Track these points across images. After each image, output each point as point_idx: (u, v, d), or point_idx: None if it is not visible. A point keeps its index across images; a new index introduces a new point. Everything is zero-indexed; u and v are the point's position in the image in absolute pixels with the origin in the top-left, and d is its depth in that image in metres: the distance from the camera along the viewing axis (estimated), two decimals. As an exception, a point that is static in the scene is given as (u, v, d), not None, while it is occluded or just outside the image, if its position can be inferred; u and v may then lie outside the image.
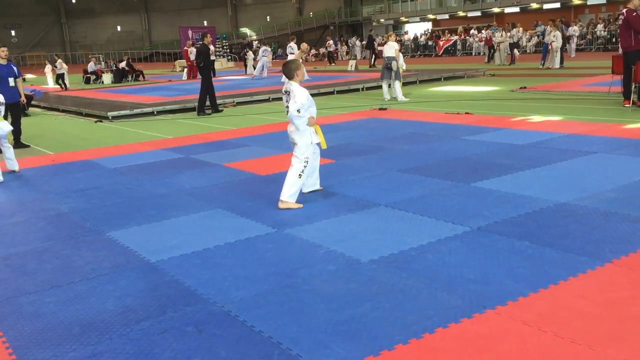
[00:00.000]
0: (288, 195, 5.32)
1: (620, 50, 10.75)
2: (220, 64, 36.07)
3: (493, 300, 3.26)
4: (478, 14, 39.49)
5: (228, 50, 42.46)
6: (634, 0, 10.06)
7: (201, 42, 14.53)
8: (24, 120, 11.33)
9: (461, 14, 40.66)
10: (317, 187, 5.81)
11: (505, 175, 6.00)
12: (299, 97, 5.17)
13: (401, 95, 13.63)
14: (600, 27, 31.02)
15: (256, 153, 8.15)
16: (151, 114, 13.95)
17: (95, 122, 13.26)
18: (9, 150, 7.82)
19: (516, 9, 37.06)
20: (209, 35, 14.61)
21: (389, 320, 3.11)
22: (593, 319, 3.01)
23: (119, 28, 61.69)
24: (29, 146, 10.09)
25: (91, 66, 29.85)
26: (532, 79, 16.89)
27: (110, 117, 13.43)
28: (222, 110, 13.74)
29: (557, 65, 20.30)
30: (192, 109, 14.29)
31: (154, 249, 4.48)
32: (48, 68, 27.18)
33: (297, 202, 5.35)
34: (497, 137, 8.14)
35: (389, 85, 13.88)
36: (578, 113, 10.01)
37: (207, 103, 13.40)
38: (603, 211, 4.70)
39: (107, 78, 28.78)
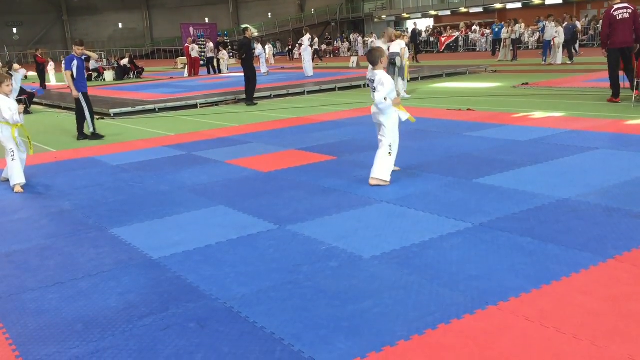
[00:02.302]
0: (379, 173, 5.77)
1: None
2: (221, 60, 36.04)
3: (495, 296, 3.26)
4: (480, 10, 39.41)
5: (230, 47, 42.43)
6: None
7: (243, 36, 15.36)
8: (26, 118, 11.32)
9: (463, 10, 40.58)
10: (396, 167, 6.03)
11: (507, 172, 6.00)
12: (387, 84, 5.69)
13: (403, 92, 13.64)
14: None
15: (258, 150, 8.15)
16: (153, 111, 13.95)
17: (97, 119, 13.26)
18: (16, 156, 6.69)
19: (518, 5, 36.97)
20: (250, 28, 15.42)
21: (391, 316, 3.12)
22: (595, 314, 3.01)
23: (120, 25, 61.66)
24: (103, 137, 10.39)
25: (93, 64, 29.83)
26: (534, 75, 16.86)
27: (112, 115, 13.44)
28: (257, 104, 14.30)
29: (560, 61, 20.26)
30: (193, 106, 14.30)
31: (156, 245, 4.49)
32: (51, 66, 27.19)
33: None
34: (499, 134, 8.13)
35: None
36: (580, 109, 9.99)
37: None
38: (605, 207, 4.70)
39: (108, 75, 28.78)
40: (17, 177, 6.58)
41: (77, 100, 10.15)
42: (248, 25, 18.27)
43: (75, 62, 9.98)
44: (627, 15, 10.11)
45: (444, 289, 3.40)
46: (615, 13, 10.21)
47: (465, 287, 3.41)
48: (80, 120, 10.37)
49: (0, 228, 5.26)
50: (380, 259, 3.93)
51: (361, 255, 4.01)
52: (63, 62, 10.36)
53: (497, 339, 2.84)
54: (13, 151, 6.60)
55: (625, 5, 10.16)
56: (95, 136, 10.32)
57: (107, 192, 6.33)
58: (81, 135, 10.35)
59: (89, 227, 5.10)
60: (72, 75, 9.95)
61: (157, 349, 2.94)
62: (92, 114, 10.38)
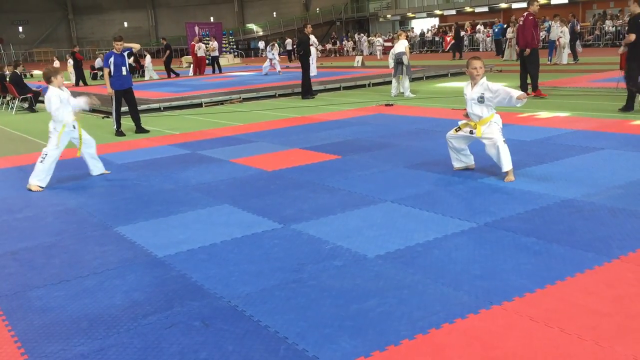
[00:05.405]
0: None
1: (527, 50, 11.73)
2: (226, 60, 36.13)
3: (499, 296, 3.26)
4: (485, 9, 39.37)
5: (235, 46, 42.55)
6: (533, 6, 11.60)
7: (302, 33, 15.81)
8: (31, 116, 11.39)
9: (468, 9, 40.52)
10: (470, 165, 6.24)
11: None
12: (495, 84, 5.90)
13: (408, 92, 13.65)
14: (608, 22, 30.85)
15: (263, 149, 8.16)
16: (158, 109, 13.98)
17: (102, 118, 13.30)
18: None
19: (523, 4, 36.77)
20: (309, 25, 15.69)
21: (395, 315, 3.12)
22: (600, 315, 3.00)
23: (125, 24, 61.83)
24: (149, 131, 10.53)
25: (98, 62, 29.88)
26: (539, 75, 16.76)
27: (117, 113, 13.44)
28: (315, 94, 14.75)
29: (565, 61, 20.21)
30: (198, 105, 14.32)
31: (161, 244, 4.50)
32: (56, 64, 27.26)
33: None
34: (504, 133, 8.09)
35: (399, 81, 13.94)
36: (586, 109, 9.96)
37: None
38: (610, 207, 4.68)
39: (114, 74, 28.76)
40: (37, 178, 6.56)
41: (126, 96, 10.30)
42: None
43: (111, 59, 10.01)
44: (521, 22, 11.67)
45: (448, 289, 3.40)
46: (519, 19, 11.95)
47: (470, 286, 3.41)
48: (116, 115, 10.43)
49: (6, 226, 5.29)
50: (384, 258, 3.93)
51: (365, 255, 4.01)
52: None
53: (501, 338, 2.83)
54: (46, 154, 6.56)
55: (526, 12, 11.67)
56: (119, 133, 10.35)
57: (112, 190, 6.34)
58: (118, 132, 10.40)
59: (94, 225, 5.11)
60: (109, 73, 10.06)
61: (162, 347, 2.95)
62: (119, 112, 10.38)
